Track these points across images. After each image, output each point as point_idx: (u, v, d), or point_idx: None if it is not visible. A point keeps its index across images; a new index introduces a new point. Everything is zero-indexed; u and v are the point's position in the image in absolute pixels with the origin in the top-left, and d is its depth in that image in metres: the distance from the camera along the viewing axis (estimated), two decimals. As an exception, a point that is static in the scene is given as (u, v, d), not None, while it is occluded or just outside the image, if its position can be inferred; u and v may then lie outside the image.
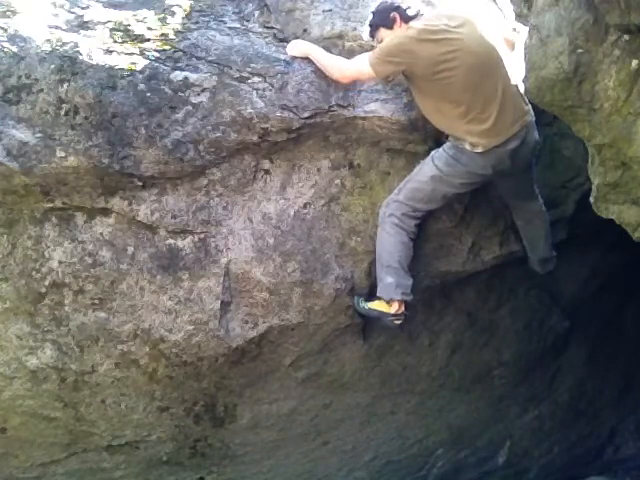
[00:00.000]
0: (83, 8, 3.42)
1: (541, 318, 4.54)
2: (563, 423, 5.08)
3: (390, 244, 3.45)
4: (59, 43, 3.22)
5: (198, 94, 3.28)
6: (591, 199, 2.76)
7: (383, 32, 3.37)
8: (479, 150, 3.30)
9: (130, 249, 3.34)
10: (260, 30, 3.55)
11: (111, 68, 3.20)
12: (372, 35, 3.44)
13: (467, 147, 3.31)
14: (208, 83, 3.29)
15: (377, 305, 3.53)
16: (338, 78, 3.37)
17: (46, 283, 3.30)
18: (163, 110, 3.23)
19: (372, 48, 3.36)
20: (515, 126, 3.31)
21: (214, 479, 4.04)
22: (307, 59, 3.41)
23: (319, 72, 3.40)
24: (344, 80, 3.38)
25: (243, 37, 3.48)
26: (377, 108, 3.45)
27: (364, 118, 3.45)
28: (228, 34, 3.46)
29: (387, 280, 3.46)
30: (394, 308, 3.49)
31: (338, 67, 3.35)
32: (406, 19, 3.32)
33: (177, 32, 3.39)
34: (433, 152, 3.43)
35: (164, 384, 3.55)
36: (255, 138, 3.35)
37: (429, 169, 3.40)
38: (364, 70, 3.28)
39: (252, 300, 3.48)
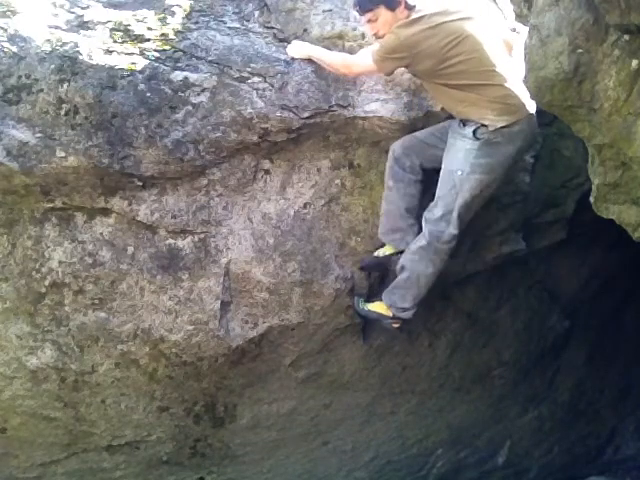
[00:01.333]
0: (83, 8, 3.42)
1: (541, 318, 4.54)
2: (563, 423, 5.08)
3: (430, 273, 3.40)
4: (59, 43, 3.22)
5: (198, 94, 3.28)
6: (591, 199, 2.76)
7: (383, 11, 3.21)
8: (511, 117, 3.19)
9: (130, 249, 3.34)
10: (260, 30, 3.55)
11: (111, 68, 3.20)
12: (367, 9, 3.21)
13: (502, 123, 3.19)
14: (208, 83, 3.29)
15: (377, 307, 3.53)
16: (345, 74, 3.37)
17: (46, 283, 3.30)
18: (163, 110, 3.23)
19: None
20: (531, 107, 3.24)
21: (214, 479, 4.04)
22: (308, 59, 3.42)
23: (319, 72, 3.40)
24: (351, 75, 3.39)
25: (243, 37, 3.48)
26: (377, 108, 3.45)
27: (364, 118, 3.45)
28: (228, 34, 3.46)
29: (404, 303, 3.46)
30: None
31: (344, 63, 3.34)
32: (409, 7, 3.23)
33: (177, 32, 3.39)
34: (460, 173, 3.24)
35: (164, 384, 3.55)
36: (255, 138, 3.35)
37: (472, 188, 3.25)
38: (368, 66, 3.28)
39: (252, 300, 3.48)
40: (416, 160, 3.43)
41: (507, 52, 3.37)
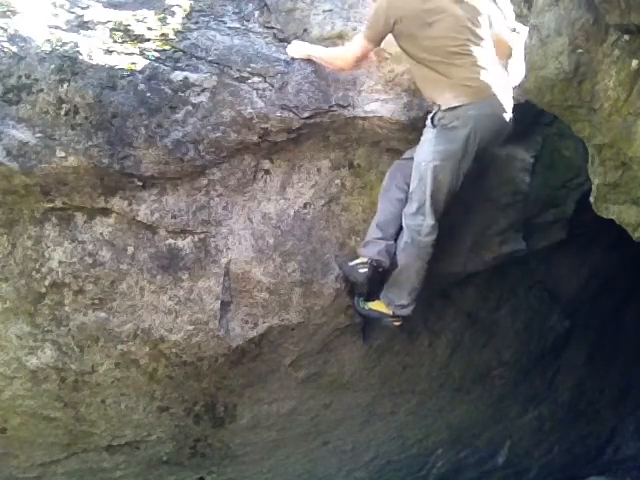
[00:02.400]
0: (83, 8, 3.42)
1: (541, 318, 4.54)
2: (563, 423, 5.08)
3: (419, 267, 3.41)
4: (59, 43, 3.22)
5: (198, 94, 3.28)
6: (591, 199, 2.77)
7: None
8: (468, 98, 3.20)
9: (130, 249, 3.34)
10: (260, 30, 3.55)
11: (111, 68, 3.20)
12: None
13: (456, 103, 3.19)
14: (208, 83, 3.29)
15: (377, 306, 3.54)
16: (344, 66, 3.39)
17: (46, 283, 3.30)
18: (163, 110, 3.23)
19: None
20: (498, 91, 3.25)
21: (214, 479, 4.04)
22: (308, 59, 3.42)
23: (319, 72, 3.41)
24: (349, 65, 3.39)
25: (243, 37, 3.48)
26: (377, 108, 3.45)
27: (364, 118, 3.45)
28: (228, 34, 3.46)
29: (401, 300, 3.47)
30: (393, 310, 3.51)
31: (340, 56, 3.38)
32: None
33: (177, 32, 3.40)
34: (424, 163, 3.27)
35: (164, 384, 3.55)
36: (255, 138, 3.36)
37: (434, 176, 3.25)
38: (360, 45, 3.31)
39: (252, 300, 3.48)
40: (401, 178, 3.46)
41: (502, 49, 3.40)
